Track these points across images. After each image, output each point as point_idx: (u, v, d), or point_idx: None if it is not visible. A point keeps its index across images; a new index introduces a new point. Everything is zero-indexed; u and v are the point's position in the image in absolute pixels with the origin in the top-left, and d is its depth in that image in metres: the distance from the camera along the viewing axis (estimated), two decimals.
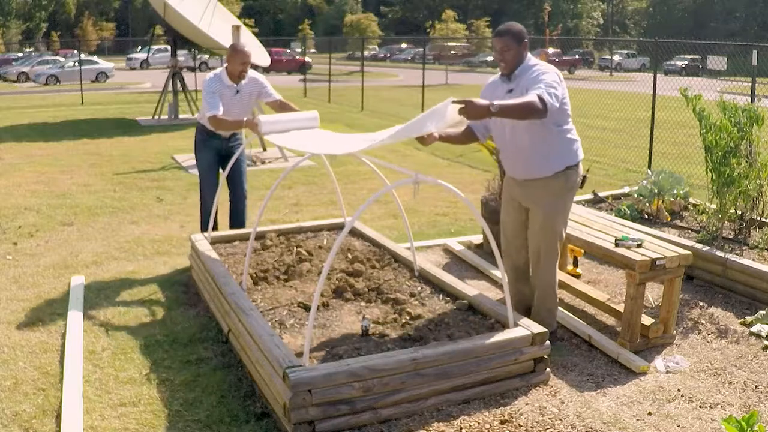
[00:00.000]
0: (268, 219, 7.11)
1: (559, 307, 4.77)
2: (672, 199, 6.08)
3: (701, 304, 4.92)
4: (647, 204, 6.08)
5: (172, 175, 9.71)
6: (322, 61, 31.47)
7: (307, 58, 33.95)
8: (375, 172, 5.02)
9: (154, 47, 37.26)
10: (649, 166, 9.62)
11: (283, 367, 3.24)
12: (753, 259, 5.01)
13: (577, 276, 5.38)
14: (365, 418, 3.32)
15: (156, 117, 16.37)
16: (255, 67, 10.58)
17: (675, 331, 4.39)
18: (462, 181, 9.17)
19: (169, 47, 19.10)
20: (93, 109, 19.39)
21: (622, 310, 4.25)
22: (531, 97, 3.54)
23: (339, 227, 5.86)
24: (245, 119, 5.25)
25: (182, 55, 30.62)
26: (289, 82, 29.17)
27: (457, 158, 11.23)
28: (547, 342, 3.76)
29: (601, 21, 69.45)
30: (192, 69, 23.96)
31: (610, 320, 4.63)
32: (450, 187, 3.67)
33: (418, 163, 10.53)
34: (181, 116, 16.57)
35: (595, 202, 6.63)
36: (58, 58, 37.39)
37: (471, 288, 4.41)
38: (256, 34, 22.93)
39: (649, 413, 3.51)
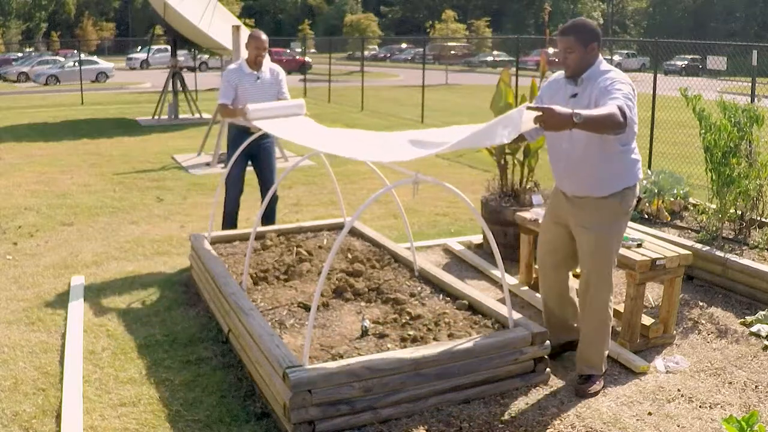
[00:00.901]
0: None
1: None
2: (672, 199, 6.08)
3: (701, 304, 4.92)
4: (647, 204, 6.08)
5: (172, 175, 9.71)
6: (322, 61, 31.45)
7: (307, 58, 33.92)
8: (375, 172, 5.02)
9: (154, 47, 37.28)
10: (649, 166, 9.61)
11: (283, 367, 3.24)
12: (753, 259, 5.00)
13: (577, 276, 5.37)
14: (365, 418, 3.33)
15: (156, 117, 16.37)
16: None
17: (675, 331, 4.39)
18: (462, 181, 9.17)
19: (169, 47, 19.11)
20: (93, 109, 19.39)
21: (622, 310, 4.25)
22: (611, 108, 3.14)
23: (339, 227, 5.86)
24: (240, 107, 5.35)
25: (182, 55, 30.66)
26: (289, 82, 28.94)
27: (457, 158, 11.22)
28: (547, 342, 3.76)
29: (601, 21, 69.41)
30: (192, 69, 23.98)
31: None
32: (450, 187, 3.67)
33: (418, 163, 10.48)
34: (181, 116, 16.58)
35: None
36: (58, 58, 37.40)
37: (471, 288, 4.41)
38: None
39: (649, 413, 3.51)
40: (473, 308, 4.17)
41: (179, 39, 16.43)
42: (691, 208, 6.03)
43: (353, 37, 43.45)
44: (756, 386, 3.80)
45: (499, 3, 70.23)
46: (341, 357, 3.52)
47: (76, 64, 28.04)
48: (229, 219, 5.88)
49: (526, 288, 5.16)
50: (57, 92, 25.81)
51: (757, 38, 43.63)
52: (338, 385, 3.24)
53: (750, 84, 9.56)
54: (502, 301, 4.18)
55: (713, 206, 5.47)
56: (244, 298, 4.15)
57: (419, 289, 4.54)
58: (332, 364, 3.31)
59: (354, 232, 5.70)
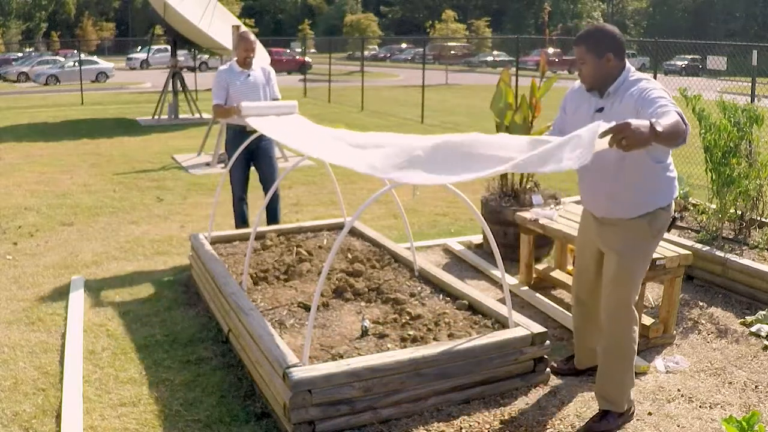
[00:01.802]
0: None
1: (559, 307, 4.78)
2: None
3: (701, 304, 4.92)
4: None
5: (172, 175, 9.71)
6: (322, 61, 31.47)
7: (307, 58, 33.95)
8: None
9: (154, 47, 37.27)
10: None
11: (283, 367, 3.24)
12: (753, 259, 5.00)
13: None
14: (365, 418, 3.32)
15: (156, 117, 16.37)
16: None
17: (675, 331, 4.39)
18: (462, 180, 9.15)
19: (169, 47, 19.11)
20: (93, 109, 19.39)
21: None
22: (673, 116, 2.76)
23: (339, 227, 5.86)
24: (235, 105, 5.47)
25: (182, 55, 30.64)
26: (289, 82, 29.14)
27: None
28: (547, 342, 3.76)
29: (601, 21, 69.43)
30: (192, 69, 23.99)
31: None
32: (450, 187, 3.67)
33: None
34: (181, 116, 16.58)
35: None
36: (58, 58, 37.39)
37: (471, 288, 4.41)
38: (256, 34, 22.79)
39: (649, 413, 3.51)
40: (473, 308, 4.17)
41: (179, 39, 16.43)
42: (691, 208, 6.02)
43: (353, 37, 43.45)
44: (756, 386, 3.80)
45: (499, 3, 70.22)
46: (341, 357, 3.52)
47: (76, 64, 28.05)
48: (240, 219, 6.00)
49: (526, 288, 5.16)
50: (57, 92, 25.81)
51: (757, 38, 43.62)
52: (338, 385, 3.24)
53: (750, 84, 9.56)
54: (502, 301, 4.17)
55: (713, 206, 5.47)
56: (244, 298, 4.15)
57: (419, 289, 4.53)
58: (332, 364, 3.31)
59: (354, 232, 5.70)
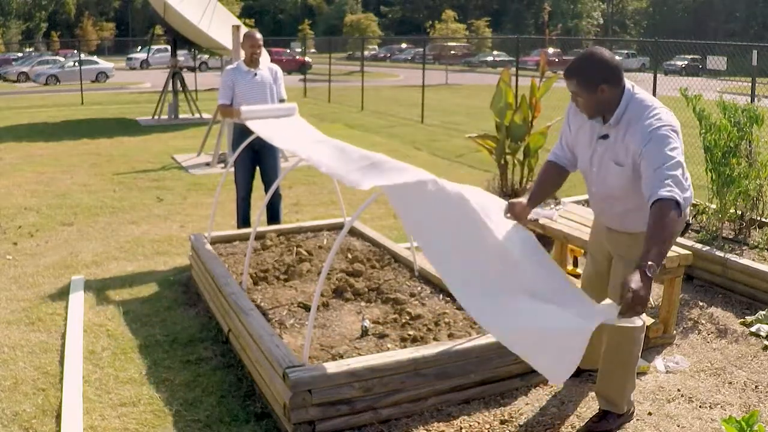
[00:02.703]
0: None
1: None
2: None
3: (701, 304, 4.92)
4: None
5: (172, 175, 9.71)
6: (322, 61, 31.46)
7: (307, 58, 33.96)
8: None
9: (154, 47, 37.23)
10: None
11: (283, 367, 3.24)
12: (753, 259, 5.01)
13: (577, 276, 5.38)
14: (365, 418, 3.32)
15: (156, 117, 16.37)
16: None
17: (675, 331, 4.39)
18: (462, 181, 9.07)
19: (169, 47, 19.10)
20: (93, 109, 19.39)
21: None
22: (663, 208, 2.67)
23: (339, 227, 5.86)
24: (235, 108, 5.52)
25: (182, 55, 30.60)
26: (289, 81, 28.98)
27: (458, 158, 11.23)
28: None
29: (601, 21, 69.41)
30: (192, 69, 23.96)
31: None
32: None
33: (419, 164, 10.45)
34: (181, 116, 16.58)
35: None
36: (58, 58, 37.40)
37: None
38: None
39: (649, 413, 3.51)
40: None
41: (179, 39, 16.43)
42: (691, 208, 6.03)
43: (353, 37, 43.45)
44: (756, 386, 3.80)
45: (499, 3, 70.23)
46: (341, 357, 3.52)
47: (76, 64, 28.04)
48: (242, 219, 6.03)
49: None
50: (57, 92, 25.81)
51: (757, 38, 43.63)
52: (338, 385, 3.24)
53: (750, 84, 9.56)
54: None
55: (713, 206, 5.47)
56: (244, 298, 4.15)
57: (419, 289, 4.53)
58: (332, 364, 3.31)
59: (354, 232, 5.70)
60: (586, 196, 6.60)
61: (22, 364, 4.04)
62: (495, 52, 47.16)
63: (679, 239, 5.29)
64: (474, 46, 49.08)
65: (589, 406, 3.56)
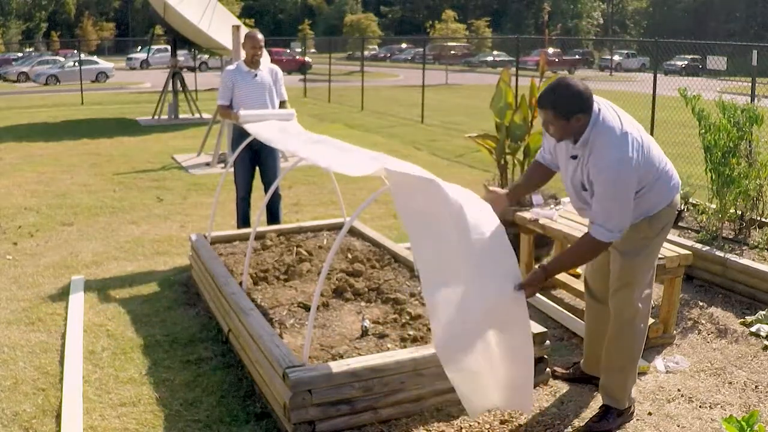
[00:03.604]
0: None
1: (559, 307, 4.78)
2: None
3: (701, 304, 4.92)
4: None
5: (172, 175, 9.71)
6: (322, 61, 31.46)
7: (307, 58, 33.96)
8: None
9: (154, 47, 37.26)
10: None
11: (283, 367, 3.24)
12: (753, 259, 5.01)
13: (577, 276, 5.38)
14: (365, 418, 3.32)
15: (156, 117, 16.37)
16: None
17: (675, 331, 4.39)
18: (462, 181, 9.09)
19: (169, 47, 19.11)
20: (93, 109, 19.39)
21: None
22: (585, 243, 3.09)
23: (339, 227, 5.86)
24: (233, 112, 5.52)
25: (182, 55, 30.63)
26: (289, 82, 28.99)
27: (457, 158, 11.23)
28: (547, 342, 3.76)
29: (601, 21, 69.42)
30: (192, 69, 23.97)
31: None
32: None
33: (418, 164, 10.45)
34: (181, 116, 16.58)
35: None
36: (58, 58, 37.41)
37: None
38: None
39: (649, 413, 3.51)
40: None
41: (179, 39, 16.43)
42: (691, 208, 6.03)
43: (353, 37, 43.47)
44: (756, 386, 3.80)
45: (499, 3, 70.24)
46: (341, 357, 3.52)
47: (76, 64, 28.04)
48: (242, 219, 6.04)
49: None
50: (57, 92, 25.82)
51: (757, 38, 43.62)
52: (338, 385, 3.24)
53: (750, 84, 9.56)
54: None
55: (713, 206, 5.47)
56: (244, 298, 4.15)
57: (419, 289, 4.53)
58: (332, 364, 3.31)
59: (354, 232, 5.70)
60: None
61: (22, 364, 4.04)
62: (495, 52, 47.17)
63: (679, 239, 5.30)
64: (474, 46, 49.09)
65: (589, 406, 3.56)
